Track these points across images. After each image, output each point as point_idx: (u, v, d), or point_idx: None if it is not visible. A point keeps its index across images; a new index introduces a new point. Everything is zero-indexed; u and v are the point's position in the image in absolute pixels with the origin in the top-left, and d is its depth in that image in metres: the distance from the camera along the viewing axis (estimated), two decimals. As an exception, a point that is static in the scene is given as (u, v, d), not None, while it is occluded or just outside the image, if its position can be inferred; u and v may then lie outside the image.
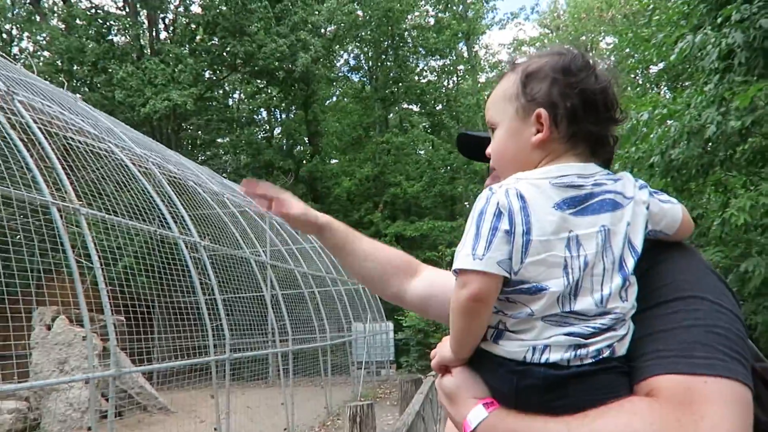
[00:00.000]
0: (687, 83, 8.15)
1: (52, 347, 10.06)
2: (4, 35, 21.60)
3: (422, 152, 27.91)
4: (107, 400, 6.03)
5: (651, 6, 9.99)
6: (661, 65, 9.26)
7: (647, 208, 0.97)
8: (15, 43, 22.40)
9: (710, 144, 5.65)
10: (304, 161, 25.80)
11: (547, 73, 1.01)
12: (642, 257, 0.95)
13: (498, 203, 0.92)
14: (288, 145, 28.02)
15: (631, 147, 6.36)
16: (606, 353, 0.90)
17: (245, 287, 10.57)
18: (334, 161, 27.88)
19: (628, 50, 12.04)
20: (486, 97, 1.16)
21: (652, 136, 6.07)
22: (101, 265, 5.15)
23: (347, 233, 1.43)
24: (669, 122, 5.96)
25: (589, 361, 0.90)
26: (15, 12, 22.07)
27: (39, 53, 22.34)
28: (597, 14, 23.91)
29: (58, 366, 9.97)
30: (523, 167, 1.00)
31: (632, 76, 13.32)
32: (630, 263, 0.93)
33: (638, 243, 0.94)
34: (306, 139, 26.88)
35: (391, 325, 18.19)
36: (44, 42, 21.89)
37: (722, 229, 5.41)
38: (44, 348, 10.02)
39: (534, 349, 0.91)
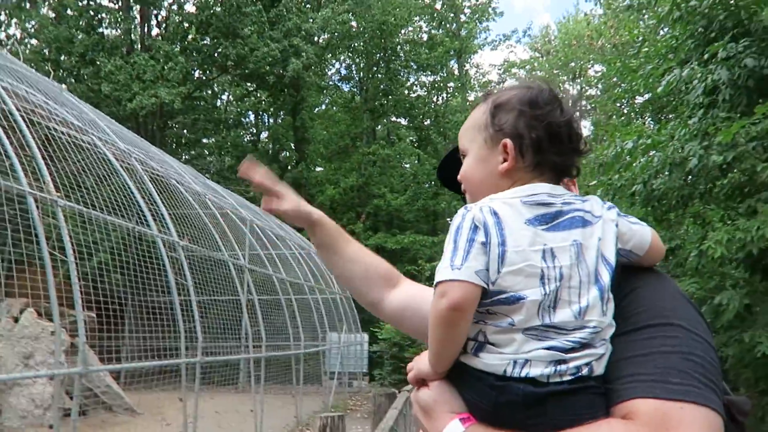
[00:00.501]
0: (671, 115, 8.31)
1: (18, 340, 9.81)
2: (-8, 20, 21.26)
3: (408, 166, 28.01)
4: (71, 398, 5.89)
5: (640, 38, 10.19)
6: (647, 96, 9.43)
7: (616, 225, 1.00)
8: (2, 28, 22.06)
9: (691, 176, 5.75)
10: (290, 167, 25.72)
11: (514, 105, 1.06)
12: (619, 283, 0.98)
13: (473, 218, 0.96)
14: (274, 149, 27.92)
15: (614, 174, 6.45)
16: (584, 371, 0.92)
17: (221, 290, 10.45)
18: (319, 169, 27.84)
19: (615, 79, 12.24)
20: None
21: (635, 164, 6.16)
22: (75, 259, 5.05)
23: (338, 233, 1.43)
24: (652, 152, 6.06)
25: (568, 378, 0.91)
26: (5, -3, 21.75)
27: (27, 41, 22.01)
28: (587, 42, 24.34)
29: (22, 360, 9.72)
30: (492, 193, 1.04)
31: (618, 104, 13.55)
32: (605, 276, 0.96)
33: (611, 257, 0.97)
34: (292, 145, 26.81)
35: (366, 336, 18.09)
36: (33, 30, 21.58)
37: (699, 260, 5.50)
38: (9, 341, 9.77)
39: (515, 363, 0.92)
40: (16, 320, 10.02)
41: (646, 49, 8.78)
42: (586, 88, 28.82)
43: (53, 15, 21.23)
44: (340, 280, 1.47)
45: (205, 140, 26.26)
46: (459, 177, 1.16)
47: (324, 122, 28.54)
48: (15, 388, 9.34)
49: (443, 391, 1.01)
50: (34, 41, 21.79)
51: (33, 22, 21.26)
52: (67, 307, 6.78)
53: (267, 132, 29.24)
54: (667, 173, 5.79)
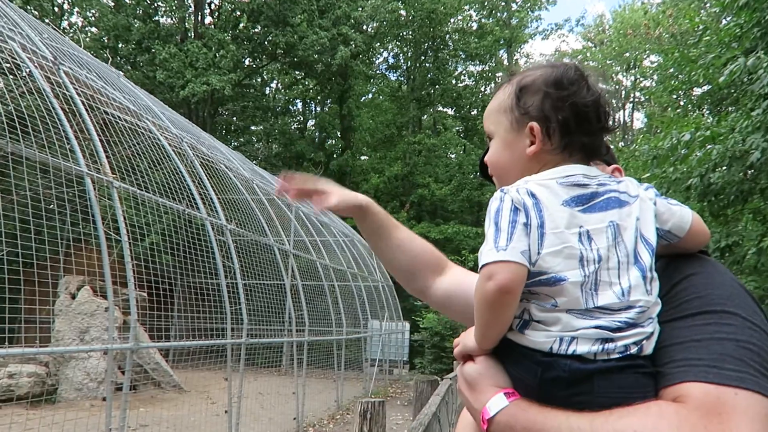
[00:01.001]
0: (731, 108, 7.93)
1: (75, 316, 10.29)
2: (56, 9, 22.15)
3: (453, 156, 27.80)
4: (123, 372, 6.14)
5: (701, 27, 9.74)
6: (705, 87, 9.02)
7: (654, 204, 0.99)
8: (65, 17, 22.96)
9: (752, 171, 5.49)
10: (335, 155, 25.92)
11: (539, 86, 1.05)
12: (671, 270, 0.99)
13: (512, 200, 0.96)
14: (320, 137, 28.18)
15: (669, 167, 6.21)
16: (633, 350, 0.91)
17: (267, 274, 10.65)
18: (364, 157, 27.96)
19: (672, 70, 11.76)
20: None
21: (691, 157, 5.92)
22: (129, 239, 5.24)
23: (386, 219, 1.43)
24: (710, 145, 5.80)
25: (616, 356, 0.90)
26: (68, -13, 22.62)
27: (87, 29, 22.88)
28: (644, 32, 23.47)
29: (79, 335, 10.20)
30: (521, 176, 1.04)
31: (674, 96, 13.02)
32: (646, 256, 0.95)
33: (651, 236, 0.97)
34: (338, 133, 26.99)
35: (407, 325, 18.15)
36: (93, 18, 22.40)
37: (758, 258, 5.26)
38: (67, 316, 10.26)
39: (561, 339, 0.92)
40: (74, 297, 10.50)
41: (708, 38, 8.40)
42: (641, 79, 27.84)
43: (112, 4, 21.96)
44: (388, 267, 1.46)
45: (253, 127, 26.74)
46: (486, 160, 1.16)
47: (370, 111, 28.59)
48: (72, 362, 9.81)
49: (489, 365, 1.01)
50: (94, 29, 22.63)
51: (93, 11, 22.06)
52: (121, 286, 7.05)
53: (314, 120, 29.52)
54: (725, 167, 5.54)
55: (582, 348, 0.90)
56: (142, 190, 5.89)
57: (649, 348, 0.93)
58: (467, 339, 1.06)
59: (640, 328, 0.92)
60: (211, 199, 7.66)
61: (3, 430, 6.14)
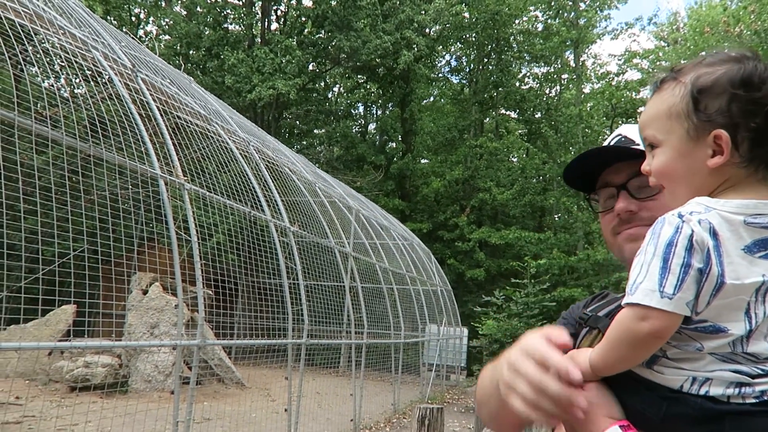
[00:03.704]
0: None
1: (146, 311, 10.77)
2: (133, 18, 23.35)
3: (515, 159, 27.31)
4: (190, 367, 6.36)
5: (788, 23, 9.14)
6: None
7: None
8: (141, 26, 24.17)
9: None
10: (396, 158, 25.99)
11: (724, 87, 0.89)
12: None
13: (691, 236, 0.83)
14: (381, 140, 28.35)
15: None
16: None
17: (327, 276, 10.79)
18: (425, 161, 27.89)
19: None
20: (640, 111, 1.04)
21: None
22: (198, 239, 5.42)
23: None
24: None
25: (752, 400, 0.83)
26: (145, -3, 23.80)
27: (161, 37, 23.97)
28: (723, 29, 22.28)
29: (149, 329, 10.67)
30: (697, 191, 0.92)
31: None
32: None
33: None
34: (399, 136, 27.07)
35: (465, 330, 17.93)
36: (167, 27, 23.46)
37: None
38: (138, 311, 10.75)
39: (694, 380, 0.86)
40: (145, 292, 11.00)
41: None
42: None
43: (185, 13, 22.94)
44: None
45: (315, 130, 27.22)
46: (650, 170, 0.99)
47: (432, 114, 28.51)
48: (142, 355, 10.27)
49: (601, 394, 0.93)
50: (167, 37, 23.69)
51: (167, 20, 23.10)
52: (189, 284, 7.33)
53: (375, 123, 29.73)
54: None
55: (716, 390, 0.84)
56: (210, 192, 6.09)
57: None
58: (580, 361, 0.95)
59: None
60: (275, 201, 7.84)
61: (81, 417, 6.49)
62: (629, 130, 1.24)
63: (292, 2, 24.04)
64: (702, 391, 0.84)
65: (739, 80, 0.88)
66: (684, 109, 0.92)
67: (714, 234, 0.84)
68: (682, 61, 1.01)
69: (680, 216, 0.86)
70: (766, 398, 0.84)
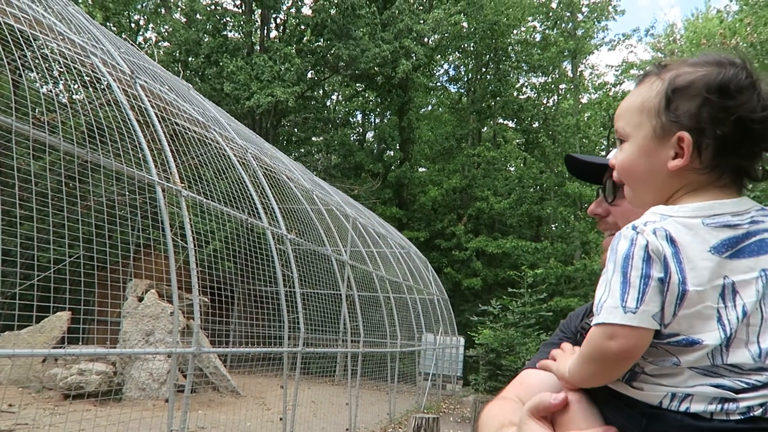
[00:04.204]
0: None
1: (141, 318, 10.71)
2: (133, 25, 23.40)
3: (513, 169, 27.35)
4: (185, 375, 6.31)
5: (784, 35, 9.20)
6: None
7: None
8: (140, 32, 24.22)
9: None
10: (393, 167, 26.02)
11: (698, 90, 0.86)
12: None
13: (647, 246, 0.82)
14: (379, 149, 28.39)
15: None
16: (757, 412, 0.80)
17: (323, 284, 10.76)
18: (422, 169, 27.92)
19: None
20: (617, 102, 1.04)
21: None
22: (194, 246, 5.40)
23: None
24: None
25: (737, 417, 0.80)
26: (144, 4, 23.88)
27: (160, 43, 24.03)
28: (719, 41, 22.42)
29: (144, 337, 10.60)
30: (656, 192, 0.90)
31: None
32: None
33: None
34: (397, 144, 27.11)
35: (462, 340, 17.89)
36: (166, 33, 23.52)
37: None
38: (134, 318, 10.69)
39: (673, 396, 0.83)
40: (141, 300, 10.94)
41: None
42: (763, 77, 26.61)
43: (184, 20, 22.99)
44: None
45: (313, 138, 27.25)
46: (615, 164, 0.98)
47: (430, 123, 28.58)
48: (137, 362, 10.20)
49: (584, 408, 0.91)
50: (166, 44, 23.74)
51: (166, 27, 23.17)
52: (185, 291, 7.29)
53: (373, 131, 29.78)
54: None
55: (697, 407, 0.81)
56: (207, 199, 6.08)
57: None
58: (561, 365, 0.95)
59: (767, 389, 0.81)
60: (272, 208, 7.82)
61: (74, 426, 6.43)
62: None
63: (291, 10, 24.13)
64: (682, 408, 0.82)
65: (716, 86, 0.86)
66: (655, 106, 0.90)
67: (671, 241, 0.82)
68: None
69: (634, 228, 0.84)
70: (751, 414, 0.80)
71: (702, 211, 0.85)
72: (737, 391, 0.81)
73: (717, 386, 0.81)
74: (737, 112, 0.84)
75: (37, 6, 4.96)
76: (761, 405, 0.80)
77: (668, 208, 0.87)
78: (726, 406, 0.80)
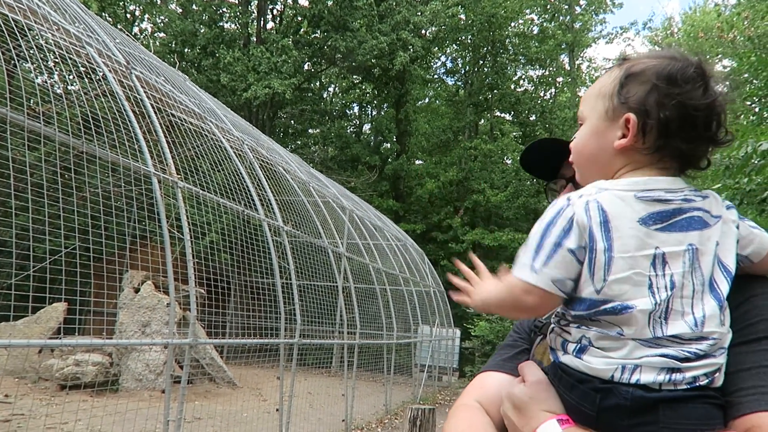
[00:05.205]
0: (814, 116, 7.44)
1: (137, 309, 10.71)
2: (128, 15, 23.24)
3: (510, 162, 27.35)
4: (181, 366, 6.33)
5: (782, 29, 9.20)
6: (785, 94, 8.50)
7: (737, 228, 0.92)
8: (136, 23, 24.05)
9: (836, 184, 5.12)
10: (390, 159, 25.99)
11: (648, 77, 0.93)
12: (734, 289, 0.91)
13: (571, 218, 0.89)
14: (376, 141, 28.35)
15: (744, 178, 5.88)
16: (703, 381, 0.85)
17: (320, 276, 10.78)
18: (419, 162, 27.90)
19: (747, 75, 11.17)
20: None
21: (768, 169, 5.57)
22: (191, 237, 5.40)
23: None
24: (789, 156, 5.45)
25: (684, 387, 0.84)
26: (140, -6, 23.70)
27: (156, 34, 23.87)
28: (717, 34, 22.41)
29: (140, 328, 10.61)
30: (601, 170, 0.96)
31: (748, 103, 12.36)
32: (724, 285, 0.89)
33: (731, 264, 0.90)
34: (394, 137, 27.08)
35: (458, 332, 17.97)
36: (161, 24, 23.37)
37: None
38: (130, 309, 10.69)
39: (623, 368, 0.86)
40: (137, 291, 10.94)
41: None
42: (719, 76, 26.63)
43: (180, 10, 22.84)
44: None
45: (310, 130, 27.18)
46: (570, 146, 1.05)
47: (427, 115, 28.53)
48: (133, 354, 10.22)
49: (540, 389, 0.95)
50: (162, 34, 23.59)
51: (162, 17, 23.01)
52: (181, 282, 7.29)
53: (370, 124, 29.72)
54: (806, 180, 5.20)
55: (646, 377, 0.85)
56: (204, 191, 6.07)
57: (720, 380, 0.87)
58: (479, 289, 1.03)
59: (711, 358, 0.86)
60: (269, 200, 7.82)
61: (71, 416, 6.45)
62: None
63: (288, 1, 24.01)
64: (633, 380, 0.85)
65: (665, 74, 0.92)
66: (610, 90, 0.97)
67: (602, 210, 0.87)
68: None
69: (568, 199, 0.91)
70: (698, 384, 0.85)
71: (636, 186, 0.91)
72: (681, 360, 0.85)
73: (662, 356, 0.85)
74: (680, 98, 0.90)
75: (32, -5, 4.92)
76: (706, 375, 0.85)
77: (607, 182, 0.93)
78: (673, 376, 0.85)
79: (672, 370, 0.85)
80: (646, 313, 0.85)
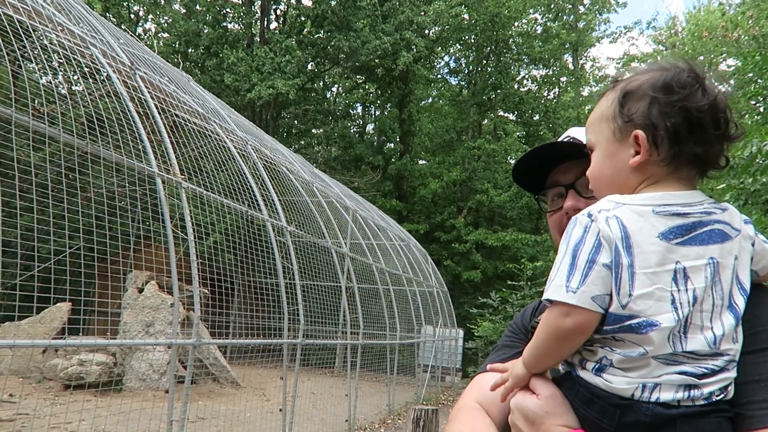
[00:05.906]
0: (819, 116, 7.40)
1: (141, 309, 10.74)
2: (132, 16, 23.29)
3: (513, 161, 27.28)
4: (185, 366, 6.34)
5: (786, 28, 9.16)
6: (790, 93, 8.45)
7: (752, 245, 0.92)
8: (140, 23, 24.11)
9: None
10: (393, 159, 25.98)
11: (645, 91, 0.95)
12: None
13: (599, 233, 0.88)
14: (379, 141, 28.34)
15: (748, 178, 5.85)
16: (719, 396, 0.87)
17: (323, 276, 10.78)
18: (422, 162, 27.88)
19: (751, 74, 11.12)
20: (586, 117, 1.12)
21: (773, 169, 5.54)
22: (194, 237, 5.41)
23: None
24: (795, 157, 5.42)
25: (701, 402, 0.86)
26: (144, -6, 23.74)
27: (160, 34, 23.92)
28: (721, 33, 22.34)
29: (144, 328, 10.63)
30: (621, 189, 0.96)
31: (753, 102, 12.31)
32: (740, 302, 0.89)
33: (746, 281, 0.91)
34: (398, 137, 27.06)
35: (461, 332, 17.95)
36: (165, 24, 23.41)
37: None
38: (134, 309, 10.72)
39: (644, 387, 0.87)
40: (141, 291, 10.96)
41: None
42: (710, 75, 26.54)
43: (184, 11, 22.88)
44: None
45: (314, 130, 27.19)
46: (587, 174, 1.05)
47: (430, 115, 28.51)
48: (137, 353, 10.24)
49: (556, 404, 0.95)
50: (166, 35, 23.64)
51: (166, 18, 23.06)
52: (185, 282, 7.30)
53: (373, 124, 29.71)
54: (812, 180, 5.17)
55: (666, 395, 0.86)
56: (207, 191, 6.07)
57: (731, 393, 0.88)
58: (516, 369, 1.01)
59: (726, 373, 0.88)
60: (272, 200, 7.82)
61: (75, 416, 6.46)
62: (577, 132, 1.27)
63: (291, 2, 24.01)
64: (653, 398, 0.86)
65: (660, 85, 0.93)
66: (611, 112, 0.98)
67: (623, 227, 0.88)
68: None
69: (589, 215, 0.91)
70: (714, 399, 0.86)
71: (653, 200, 0.91)
72: (699, 377, 0.86)
73: (681, 373, 0.86)
74: (681, 104, 0.91)
75: (37, -4, 4.93)
76: (721, 390, 0.87)
77: (623, 196, 0.93)
78: (691, 393, 0.86)
79: (690, 387, 0.86)
80: (668, 330, 0.86)
